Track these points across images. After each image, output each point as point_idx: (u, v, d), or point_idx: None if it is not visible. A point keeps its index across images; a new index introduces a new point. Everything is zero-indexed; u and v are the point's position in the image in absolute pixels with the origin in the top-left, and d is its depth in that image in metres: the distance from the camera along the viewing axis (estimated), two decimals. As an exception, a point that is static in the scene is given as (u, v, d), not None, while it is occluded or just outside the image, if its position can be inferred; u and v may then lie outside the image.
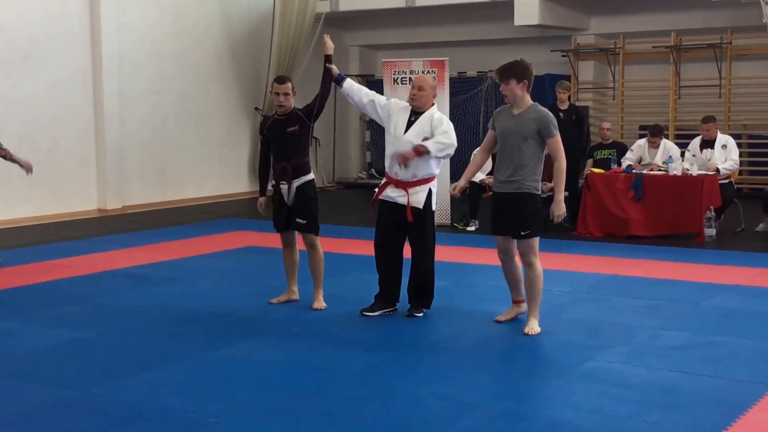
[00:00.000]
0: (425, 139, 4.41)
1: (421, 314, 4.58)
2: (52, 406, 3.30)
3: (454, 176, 8.65)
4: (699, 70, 10.05)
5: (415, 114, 4.51)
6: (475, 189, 7.67)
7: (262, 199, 4.89)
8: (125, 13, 9.25)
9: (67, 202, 8.79)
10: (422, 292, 4.61)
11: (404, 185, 4.48)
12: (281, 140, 4.64)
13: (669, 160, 7.28)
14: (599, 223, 7.26)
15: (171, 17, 9.81)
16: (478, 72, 11.08)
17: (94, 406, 3.29)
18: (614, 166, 7.57)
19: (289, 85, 4.64)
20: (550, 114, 4.20)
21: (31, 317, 4.69)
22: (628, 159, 7.61)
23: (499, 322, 4.43)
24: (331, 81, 4.62)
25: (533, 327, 4.22)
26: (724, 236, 7.05)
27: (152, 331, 4.37)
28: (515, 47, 10.69)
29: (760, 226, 7.34)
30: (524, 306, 4.39)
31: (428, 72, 7.70)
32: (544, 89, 10.31)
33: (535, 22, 9.81)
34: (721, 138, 7.44)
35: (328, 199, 9.68)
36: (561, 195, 4.15)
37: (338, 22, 11.54)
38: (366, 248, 5.63)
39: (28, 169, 6.12)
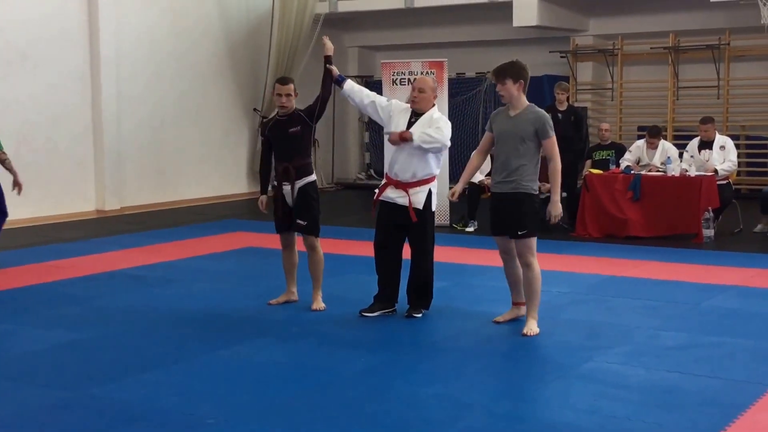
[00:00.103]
0: None
1: (420, 315, 4.59)
2: (51, 407, 3.29)
3: (453, 176, 8.67)
4: (697, 71, 10.07)
5: (416, 115, 4.51)
6: (474, 190, 7.68)
7: (263, 197, 4.88)
8: (124, 13, 9.25)
9: (65, 203, 8.79)
10: (421, 293, 4.61)
11: (404, 186, 4.49)
12: (283, 141, 4.64)
13: (667, 161, 7.28)
14: (598, 224, 7.26)
15: (169, 18, 9.81)
16: (476, 73, 11.09)
17: (93, 407, 3.29)
18: (613, 167, 7.58)
19: (291, 86, 4.64)
20: (547, 115, 4.23)
21: (29, 318, 4.68)
22: (627, 160, 7.61)
23: (498, 323, 4.43)
24: (331, 82, 4.63)
25: (532, 328, 4.22)
26: (722, 237, 7.06)
27: (151, 333, 4.37)
28: (514, 48, 10.70)
29: (758, 227, 7.35)
30: (524, 308, 4.39)
31: (427, 73, 7.71)
32: (542, 90, 10.32)
33: (534, 23, 9.82)
34: (720, 139, 7.45)
35: (327, 200, 9.67)
36: (557, 195, 4.18)
37: (337, 23, 11.54)
38: (365, 249, 5.63)
39: (19, 187, 5.94)
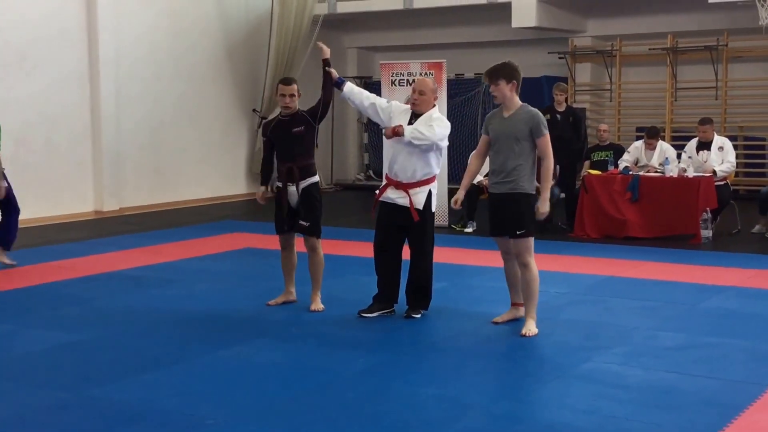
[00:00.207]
0: None
1: (419, 315, 4.59)
2: (50, 408, 3.29)
3: (452, 177, 8.69)
4: (695, 72, 10.09)
5: (416, 116, 4.52)
6: (473, 191, 7.67)
7: (263, 188, 4.82)
8: (122, 14, 9.25)
9: (63, 204, 8.78)
10: (421, 293, 4.62)
11: (404, 186, 4.50)
12: (287, 141, 4.65)
13: (665, 161, 7.30)
14: (596, 225, 7.27)
15: (168, 18, 9.81)
16: (475, 74, 11.10)
17: (92, 408, 3.29)
18: (611, 168, 7.59)
19: (295, 86, 4.66)
20: (540, 114, 4.25)
21: (29, 319, 4.68)
22: (625, 161, 7.63)
23: (497, 323, 4.44)
24: (332, 85, 4.64)
25: (530, 328, 4.23)
26: (720, 238, 7.08)
27: (150, 333, 4.37)
28: (513, 49, 10.72)
29: (756, 228, 7.36)
30: (523, 309, 4.40)
31: (426, 74, 7.71)
32: (541, 91, 10.34)
33: (533, 24, 9.84)
34: (718, 140, 7.46)
35: (326, 200, 9.57)
36: (547, 193, 4.20)
37: (336, 24, 11.55)
38: (364, 250, 5.63)
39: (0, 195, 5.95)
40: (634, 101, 10.84)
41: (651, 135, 7.66)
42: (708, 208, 6.98)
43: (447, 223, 7.90)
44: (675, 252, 6.51)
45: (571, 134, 7.82)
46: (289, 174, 4.63)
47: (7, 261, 6.12)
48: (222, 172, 10.61)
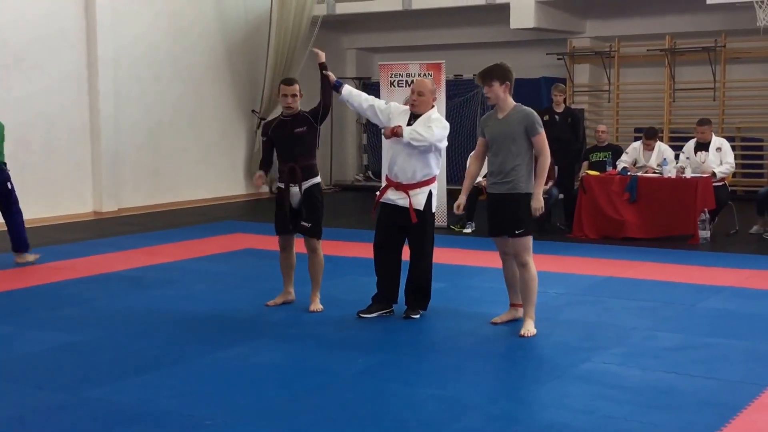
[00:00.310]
0: None
1: (417, 316, 4.60)
2: (48, 409, 3.30)
3: (450, 178, 8.69)
4: (693, 73, 10.10)
5: (415, 117, 4.53)
6: (472, 192, 7.65)
7: (260, 171, 4.72)
8: (121, 14, 9.25)
9: (62, 205, 8.78)
10: (420, 294, 4.63)
11: (404, 187, 4.51)
12: (289, 141, 4.65)
13: (663, 162, 7.31)
14: (594, 226, 7.29)
15: (167, 19, 9.82)
16: (474, 75, 11.07)
17: (91, 409, 3.29)
18: (609, 169, 7.60)
19: (297, 86, 4.67)
20: (534, 113, 4.28)
21: (27, 320, 4.68)
22: (623, 161, 7.64)
23: (495, 324, 4.45)
24: (330, 89, 4.64)
25: (529, 329, 4.24)
26: (718, 238, 7.09)
27: (149, 334, 4.37)
28: (511, 50, 10.74)
29: (754, 228, 7.38)
30: (521, 311, 4.41)
31: (425, 75, 7.72)
32: (539, 92, 10.35)
33: (531, 25, 9.85)
34: (716, 141, 7.47)
35: (325, 201, 9.65)
36: (540, 188, 4.21)
37: (335, 24, 11.56)
38: (363, 251, 5.64)
39: None
40: (632, 102, 10.85)
41: (649, 136, 7.67)
42: (706, 209, 6.99)
43: (446, 224, 7.91)
44: (673, 252, 6.52)
45: (569, 135, 7.83)
46: (292, 174, 4.63)
47: (30, 258, 6.23)
48: (221, 172, 10.61)
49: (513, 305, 4.49)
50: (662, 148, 7.65)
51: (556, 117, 7.81)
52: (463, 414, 3.20)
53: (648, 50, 10.29)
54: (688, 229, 6.98)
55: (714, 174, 7.21)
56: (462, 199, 4.41)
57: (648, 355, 3.90)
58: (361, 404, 3.32)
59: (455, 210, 4.42)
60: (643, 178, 7.21)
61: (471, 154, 4.60)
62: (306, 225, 4.67)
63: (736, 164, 8.77)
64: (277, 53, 10.52)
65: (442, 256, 5.53)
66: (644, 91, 10.71)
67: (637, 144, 7.76)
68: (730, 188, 7.74)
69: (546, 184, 4.33)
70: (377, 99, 4.73)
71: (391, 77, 8.07)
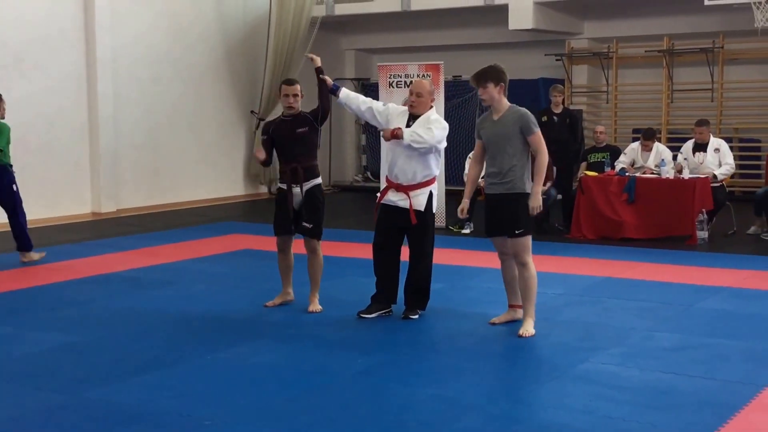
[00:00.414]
0: None
1: (416, 316, 4.61)
2: (47, 410, 3.30)
3: (449, 179, 8.69)
4: (691, 74, 10.13)
5: (414, 118, 4.55)
6: (470, 192, 7.69)
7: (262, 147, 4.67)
8: (120, 15, 9.26)
9: (60, 206, 8.78)
10: (419, 294, 4.64)
11: (405, 188, 4.52)
12: (291, 141, 4.66)
13: (661, 163, 7.33)
14: (593, 226, 7.30)
15: (166, 20, 9.82)
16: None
17: (90, 409, 3.30)
18: (608, 169, 7.62)
19: (298, 86, 4.68)
20: (529, 113, 4.29)
21: (26, 321, 4.68)
22: (622, 162, 7.65)
23: (494, 324, 4.46)
24: (328, 93, 4.65)
25: (528, 329, 4.25)
26: (716, 239, 7.10)
27: (148, 335, 4.38)
28: (510, 51, 10.75)
29: (752, 229, 7.40)
30: (520, 312, 4.42)
31: (423, 76, 7.73)
32: (538, 93, 10.36)
33: (530, 26, 9.86)
34: (714, 142, 7.49)
35: (325, 202, 9.67)
36: (539, 187, 4.22)
37: (334, 25, 11.57)
38: (361, 251, 5.65)
39: None
40: (630, 103, 10.87)
41: (647, 137, 7.69)
42: (704, 210, 7.01)
43: (444, 225, 7.91)
44: (671, 253, 6.54)
45: (567, 136, 7.85)
46: (294, 175, 4.63)
47: (35, 256, 6.28)
48: (220, 173, 10.61)
49: (512, 306, 4.50)
50: (660, 149, 7.66)
51: (555, 118, 7.82)
52: (462, 414, 3.21)
53: (646, 51, 10.31)
54: (686, 229, 7.00)
55: (715, 176, 7.23)
56: (465, 204, 4.45)
57: (646, 356, 3.91)
58: (361, 404, 3.32)
59: (459, 214, 4.46)
60: (641, 179, 7.23)
61: (469, 155, 4.61)
62: (307, 226, 4.67)
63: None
64: (277, 54, 10.53)
65: (440, 256, 5.54)
66: (642, 92, 10.73)
67: (636, 145, 7.78)
68: (727, 189, 7.76)
69: (544, 184, 4.34)
70: (375, 101, 4.75)
71: (389, 78, 8.08)
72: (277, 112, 4.95)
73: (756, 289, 5.31)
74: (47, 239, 7.51)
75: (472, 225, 7.74)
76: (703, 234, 6.96)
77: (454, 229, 7.78)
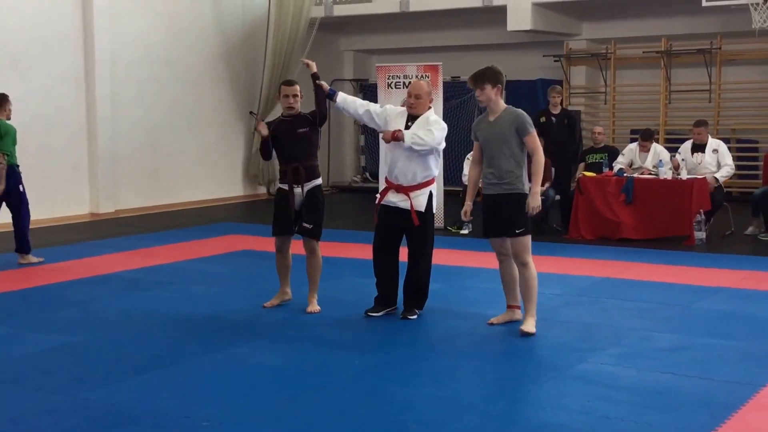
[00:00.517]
0: None
1: (414, 317, 4.62)
2: (46, 411, 3.30)
3: (447, 179, 8.71)
4: (689, 75, 10.15)
5: (412, 119, 4.56)
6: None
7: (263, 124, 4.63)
8: (118, 16, 9.26)
9: (59, 206, 8.77)
10: (418, 294, 4.65)
11: (405, 189, 4.53)
12: (291, 140, 4.66)
13: (659, 164, 7.34)
14: (591, 227, 7.31)
15: (165, 21, 9.82)
16: (471, 76, 11.12)
17: (89, 410, 3.30)
18: (606, 170, 7.63)
19: (297, 87, 4.69)
20: (525, 114, 4.32)
21: (24, 322, 4.69)
22: (620, 163, 7.67)
23: (492, 324, 4.47)
24: (325, 98, 4.65)
25: (529, 327, 4.26)
26: (713, 239, 7.12)
27: (146, 336, 4.38)
28: (508, 52, 10.77)
29: (749, 230, 7.41)
30: (519, 313, 4.44)
31: (422, 77, 7.74)
32: (536, 94, 10.37)
33: (528, 27, 9.88)
34: (712, 142, 7.51)
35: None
36: (537, 187, 4.23)
37: (332, 26, 11.58)
38: (360, 252, 5.65)
39: None
40: (628, 104, 10.89)
41: (645, 137, 7.70)
42: (701, 210, 7.02)
43: (443, 225, 7.92)
44: (669, 253, 6.55)
45: (566, 137, 7.86)
46: (295, 175, 4.64)
47: (33, 260, 6.29)
48: (218, 174, 10.61)
49: (510, 307, 4.51)
50: (658, 150, 7.68)
51: (553, 119, 7.83)
52: (461, 414, 3.22)
53: (644, 52, 10.32)
54: (683, 230, 7.01)
55: (716, 179, 7.24)
56: (468, 206, 4.48)
57: (644, 356, 3.92)
58: (359, 405, 3.33)
59: (463, 217, 4.50)
60: (639, 180, 7.24)
61: (467, 156, 4.63)
62: (307, 226, 4.67)
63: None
64: (275, 55, 10.53)
65: (439, 257, 5.54)
66: (640, 92, 10.75)
67: (633, 145, 7.79)
68: (725, 189, 7.77)
69: (542, 185, 4.35)
70: (372, 103, 4.76)
71: (388, 79, 8.09)
72: (276, 112, 4.96)
73: (753, 289, 5.32)
74: (46, 240, 7.51)
75: (470, 225, 7.75)
76: (700, 234, 6.98)
77: (453, 230, 7.79)
